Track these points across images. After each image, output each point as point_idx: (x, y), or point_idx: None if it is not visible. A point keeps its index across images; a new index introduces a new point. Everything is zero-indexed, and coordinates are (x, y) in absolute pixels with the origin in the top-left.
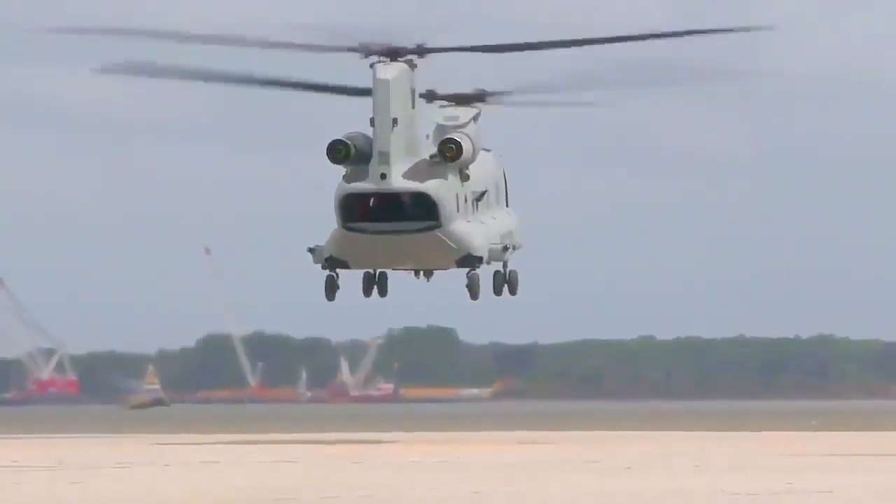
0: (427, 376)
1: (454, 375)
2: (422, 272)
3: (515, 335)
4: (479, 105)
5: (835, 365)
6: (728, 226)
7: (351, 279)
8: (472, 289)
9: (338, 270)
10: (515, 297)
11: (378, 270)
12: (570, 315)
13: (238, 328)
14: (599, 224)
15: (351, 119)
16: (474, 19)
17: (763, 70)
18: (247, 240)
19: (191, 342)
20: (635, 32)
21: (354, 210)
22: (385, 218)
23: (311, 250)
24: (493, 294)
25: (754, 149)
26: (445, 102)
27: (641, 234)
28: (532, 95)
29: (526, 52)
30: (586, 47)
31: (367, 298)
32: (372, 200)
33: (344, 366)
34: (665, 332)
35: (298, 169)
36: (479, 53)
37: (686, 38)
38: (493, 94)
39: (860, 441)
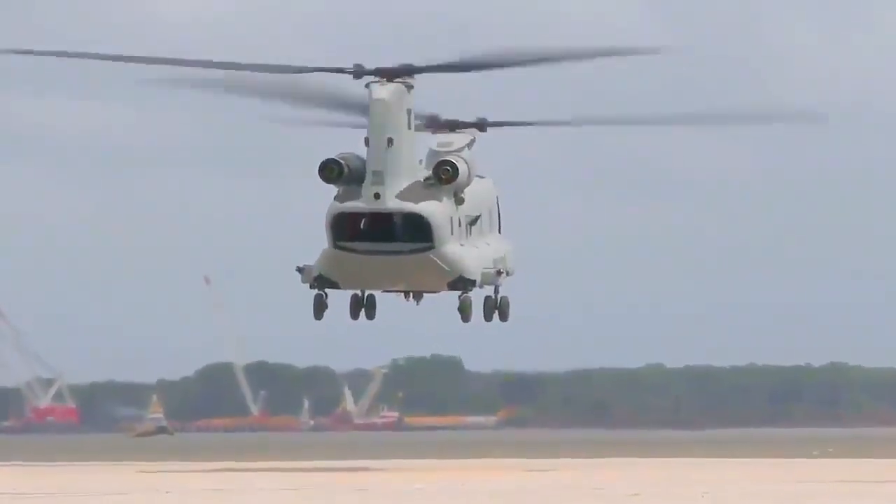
0: (432, 405)
1: (459, 404)
2: (412, 294)
3: (521, 363)
4: (476, 133)
5: (848, 393)
6: (738, 251)
7: (340, 300)
8: (464, 311)
9: (327, 290)
10: (507, 322)
11: (367, 292)
12: (577, 342)
13: (239, 357)
14: (606, 249)
15: (345, 141)
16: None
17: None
18: (247, 268)
19: (191, 371)
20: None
21: (346, 229)
22: (377, 238)
23: (299, 269)
24: (483, 319)
25: (764, 174)
26: (446, 129)
27: (649, 260)
28: (532, 123)
29: (521, 71)
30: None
31: (355, 321)
32: (364, 220)
33: (347, 395)
34: (674, 360)
35: (297, 194)
36: (474, 75)
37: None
38: (493, 123)
39: (874, 468)
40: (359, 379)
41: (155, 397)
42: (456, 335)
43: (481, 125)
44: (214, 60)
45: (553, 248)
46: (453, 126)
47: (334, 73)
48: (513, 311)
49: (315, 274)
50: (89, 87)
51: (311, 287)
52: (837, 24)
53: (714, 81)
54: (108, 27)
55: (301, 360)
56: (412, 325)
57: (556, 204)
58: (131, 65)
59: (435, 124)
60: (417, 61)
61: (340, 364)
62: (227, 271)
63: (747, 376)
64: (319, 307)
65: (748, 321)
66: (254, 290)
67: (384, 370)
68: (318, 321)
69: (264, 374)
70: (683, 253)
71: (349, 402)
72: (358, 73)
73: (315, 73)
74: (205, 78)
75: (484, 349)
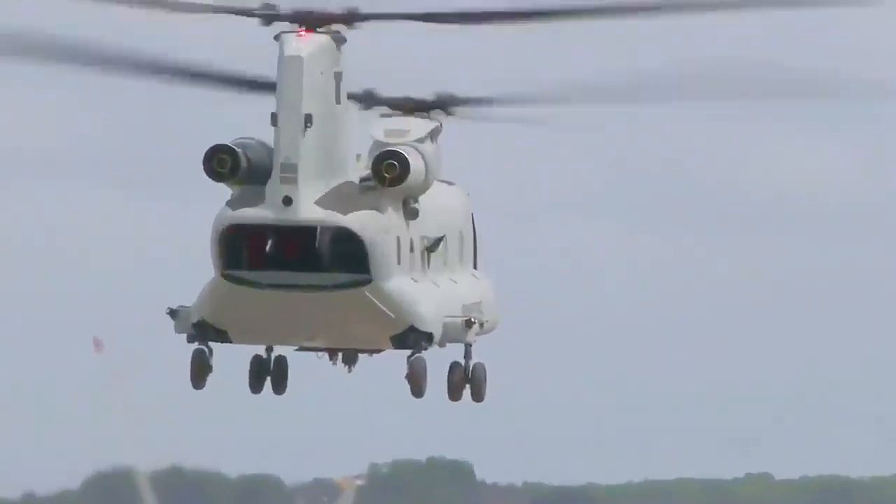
0: None
1: None
2: (339, 355)
3: (559, 471)
4: (441, 117)
5: None
6: (870, 317)
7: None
8: (415, 381)
9: (211, 344)
10: (482, 403)
11: (273, 349)
12: (641, 439)
13: (144, 461)
14: (673, 308)
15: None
16: None
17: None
18: (157, 324)
19: (74, 482)
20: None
21: (241, 251)
22: (287, 265)
23: (171, 313)
24: (447, 396)
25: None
26: (390, 110)
27: (741, 323)
28: (520, 107)
29: (505, 31)
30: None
31: (256, 394)
32: (269, 237)
33: None
34: (787, 468)
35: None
36: (439, 26)
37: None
38: (464, 101)
39: None
40: (320, 494)
41: None
42: (464, 429)
43: (446, 105)
44: None
45: (584, 294)
46: (402, 106)
47: (235, 17)
48: (505, 387)
49: (194, 319)
50: None
51: (188, 340)
52: None
53: None
54: None
55: (235, 466)
56: (399, 414)
57: (577, 227)
58: None
59: (370, 105)
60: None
61: (293, 472)
62: (126, 329)
63: (891, 489)
64: (200, 369)
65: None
66: (166, 357)
67: (358, 481)
68: (197, 390)
69: (181, 486)
70: (788, 313)
71: None
72: (267, 17)
73: (207, 19)
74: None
75: (505, 451)
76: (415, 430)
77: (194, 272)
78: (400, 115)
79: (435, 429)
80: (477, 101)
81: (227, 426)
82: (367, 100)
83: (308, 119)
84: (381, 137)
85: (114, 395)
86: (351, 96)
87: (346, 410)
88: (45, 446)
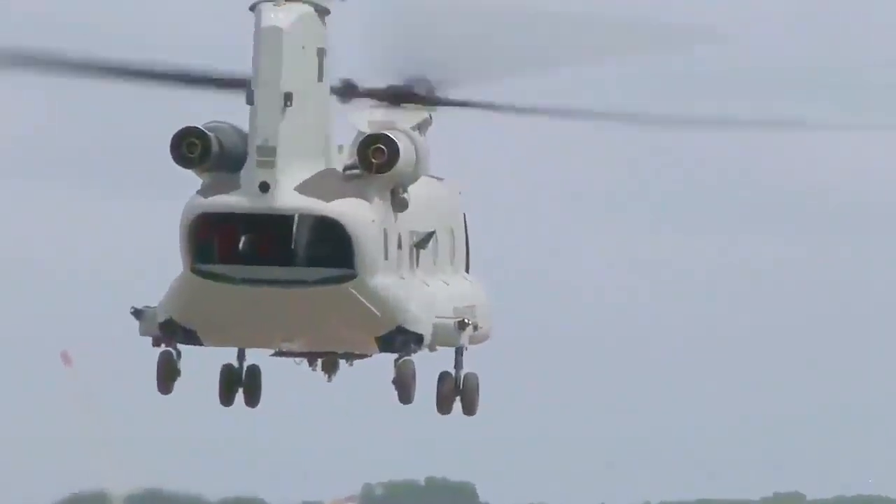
0: None
1: None
2: (319, 360)
3: (567, 493)
4: (430, 108)
5: None
6: None
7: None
8: (402, 386)
9: (179, 347)
10: (472, 417)
11: (245, 358)
12: (659, 461)
13: (118, 483)
14: (696, 316)
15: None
16: None
17: None
18: (129, 335)
19: None
20: None
21: (213, 243)
22: (264, 258)
23: (136, 313)
24: (436, 409)
25: None
26: (374, 102)
27: (771, 333)
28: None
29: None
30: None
31: (228, 407)
32: (243, 227)
33: None
34: (819, 487)
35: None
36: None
37: None
38: (454, 102)
39: None
40: None
41: None
42: (466, 447)
43: (433, 99)
44: None
45: (587, 297)
46: (385, 97)
47: None
48: (508, 400)
49: (161, 319)
50: None
51: (154, 343)
52: None
53: None
54: None
55: (216, 488)
56: (395, 429)
57: (576, 228)
58: None
59: (349, 97)
60: None
61: (280, 494)
62: (98, 341)
63: None
64: (167, 373)
65: None
66: (140, 371)
67: (351, 503)
68: (164, 395)
69: None
70: (823, 312)
71: None
72: None
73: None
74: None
75: (511, 470)
76: (412, 446)
77: (162, 271)
78: (385, 107)
79: (434, 446)
80: (469, 104)
81: (207, 443)
82: (347, 92)
83: (287, 98)
84: (366, 129)
85: (86, 413)
86: (333, 90)
87: (336, 424)
88: (15, 469)
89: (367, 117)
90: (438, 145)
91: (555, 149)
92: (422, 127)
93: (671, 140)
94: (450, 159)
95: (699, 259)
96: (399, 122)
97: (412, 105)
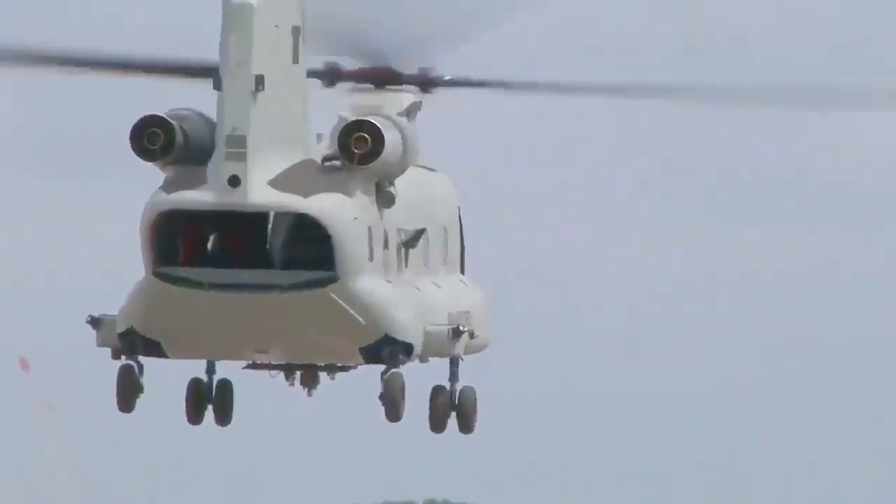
0: None
1: None
2: (298, 374)
3: None
4: (420, 94)
5: None
6: None
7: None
8: (390, 402)
9: (141, 360)
10: (470, 435)
11: (215, 371)
12: (672, 479)
13: None
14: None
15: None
16: None
17: None
18: (86, 339)
19: None
20: None
21: (177, 243)
22: (235, 261)
23: (93, 321)
24: (429, 427)
25: None
26: (357, 85)
27: (794, 340)
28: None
29: None
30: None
31: (196, 426)
32: (211, 227)
33: None
34: None
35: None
36: None
37: None
38: (446, 79)
39: None
40: None
41: None
42: (466, 466)
43: (425, 82)
44: None
45: (592, 301)
46: (373, 79)
47: None
48: (512, 416)
49: (121, 329)
50: None
51: (113, 355)
52: None
53: None
54: None
55: None
56: (390, 448)
57: (577, 228)
58: None
59: (333, 81)
60: None
61: None
62: (60, 345)
63: None
64: (128, 389)
65: None
66: (99, 386)
67: None
68: (125, 414)
69: None
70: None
71: None
72: None
73: None
74: None
75: (513, 491)
76: (409, 466)
77: (125, 273)
78: (371, 91)
79: (433, 465)
80: (462, 82)
81: (187, 463)
82: (330, 76)
83: (259, 81)
84: (348, 115)
85: (49, 428)
86: (311, 74)
87: (327, 442)
88: None
89: (350, 101)
90: (429, 132)
91: (559, 133)
92: (411, 112)
93: (684, 120)
94: (442, 147)
95: (725, 256)
96: (386, 107)
97: (400, 87)
